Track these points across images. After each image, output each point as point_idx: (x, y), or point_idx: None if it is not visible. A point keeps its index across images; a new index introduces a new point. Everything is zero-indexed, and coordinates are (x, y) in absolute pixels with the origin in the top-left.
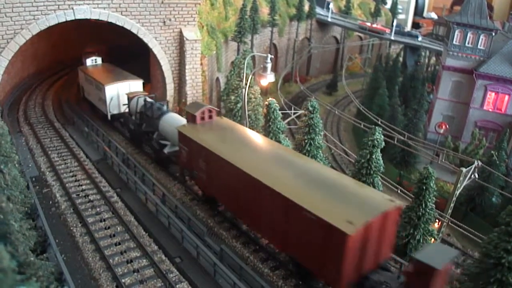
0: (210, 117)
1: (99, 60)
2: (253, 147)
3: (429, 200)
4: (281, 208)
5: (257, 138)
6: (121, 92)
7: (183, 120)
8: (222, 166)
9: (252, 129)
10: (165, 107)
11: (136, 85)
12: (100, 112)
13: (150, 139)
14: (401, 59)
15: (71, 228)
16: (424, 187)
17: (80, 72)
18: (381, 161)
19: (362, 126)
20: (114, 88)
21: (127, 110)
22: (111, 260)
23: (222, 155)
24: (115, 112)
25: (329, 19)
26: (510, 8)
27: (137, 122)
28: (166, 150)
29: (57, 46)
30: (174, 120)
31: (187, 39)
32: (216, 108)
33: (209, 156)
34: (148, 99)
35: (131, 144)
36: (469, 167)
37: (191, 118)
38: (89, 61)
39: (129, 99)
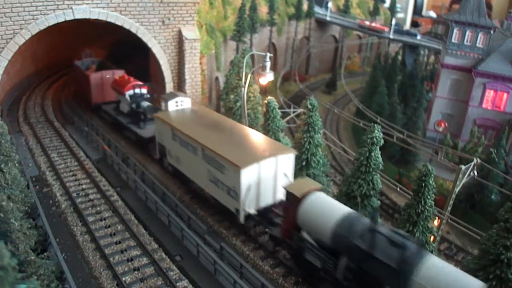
0: None
1: (186, 101)
2: None
3: (428, 197)
4: None
5: None
6: (264, 176)
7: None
8: None
9: (252, 127)
10: (411, 244)
11: (286, 161)
12: (210, 197)
13: None
14: (400, 57)
15: (72, 227)
16: (423, 184)
17: (157, 123)
18: (380, 159)
19: (361, 125)
20: (253, 171)
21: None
22: (111, 259)
23: None
24: (252, 210)
25: (328, 18)
26: (509, 6)
27: (329, 252)
28: None
29: (56, 46)
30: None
31: (186, 39)
32: None
33: None
34: (365, 221)
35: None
36: (468, 165)
37: None
38: (172, 104)
39: (297, 200)
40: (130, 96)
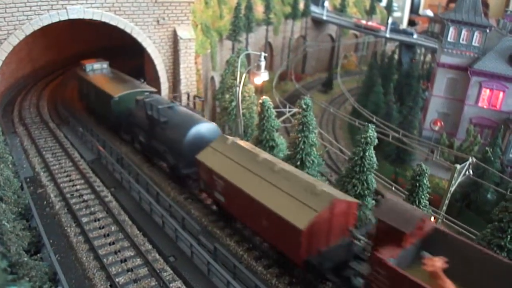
0: None
1: None
2: None
3: (423, 197)
4: None
5: None
6: None
7: None
8: None
9: (247, 127)
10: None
11: None
12: None
13: None
14: (396, 56)
15: (65, 228)
16: (418, 184)
17: None
18: (375, 159)
19: (357, 124)
20: None
21: None
22: (105, 260)
23: None
24: None
25: (324, 17)
26: (506, 5)
27: None
28: None
29: (52, 46)
30: None
31: (181, 38)
32: None
33: None
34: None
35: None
36: (464, 164)
37: None
38: None
39: None
40: None
